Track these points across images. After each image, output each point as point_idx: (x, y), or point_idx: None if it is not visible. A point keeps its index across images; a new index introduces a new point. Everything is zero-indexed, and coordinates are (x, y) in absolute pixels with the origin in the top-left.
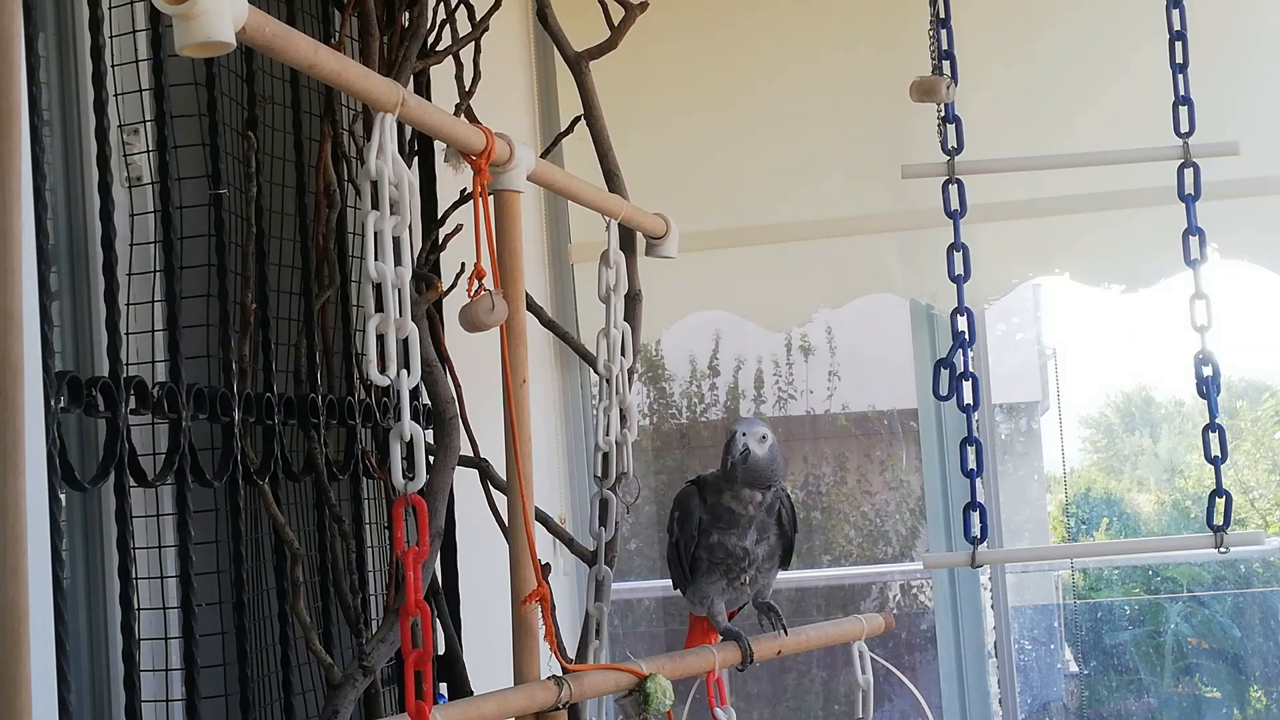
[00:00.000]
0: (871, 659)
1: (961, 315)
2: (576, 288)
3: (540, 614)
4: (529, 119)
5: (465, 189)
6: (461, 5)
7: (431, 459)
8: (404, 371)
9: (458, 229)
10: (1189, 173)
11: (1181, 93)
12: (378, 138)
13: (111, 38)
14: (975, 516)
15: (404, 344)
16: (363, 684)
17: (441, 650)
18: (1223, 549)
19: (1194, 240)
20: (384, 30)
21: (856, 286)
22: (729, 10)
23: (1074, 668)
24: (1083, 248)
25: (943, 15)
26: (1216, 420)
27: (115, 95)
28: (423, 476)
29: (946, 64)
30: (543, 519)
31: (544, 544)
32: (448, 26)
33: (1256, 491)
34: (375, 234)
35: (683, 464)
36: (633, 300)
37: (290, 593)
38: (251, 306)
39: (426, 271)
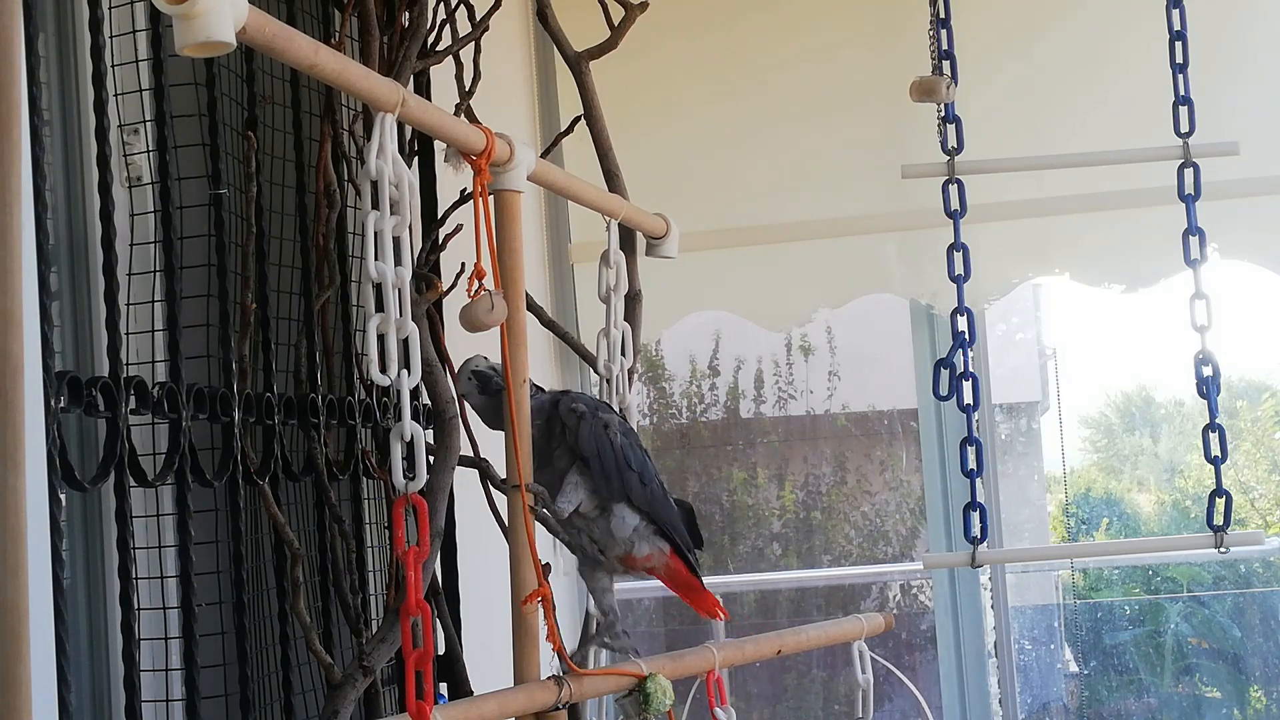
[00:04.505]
0: (871, 659)
1: (961, 315)
2: (576, 288)
3: (542, 613)
4: (529, 119)
5: (465, 189)
6: (461, 5)
7: (431, 459)
8: (404, 371)
9: (458, 229)
10: (1189, 173)
11: (1181, 93)
12: (378, 138)
13: (111, 38)
14: (975, 516)
15: (404, 344)
16: (363, 684)
17: (441, 650)
18: (1223, 549)
19: (1194, 240)
20: (384, 30)
21: (856, 286)
22: (729, 10)
23: (1074, 668)
24: (1083, 248)
25: (943, 15)
26: (1216, 420)
27: (115, 95)
28: (423, 476)
29: (946, 64)
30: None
31: (544, 544)
32: (448, 26)
33: (1256, 491)
34: (375, 234)
35: (683, 464)
36: (633, 300)
37: (290, 593)
38: (251, 306)
39: (426, 271)
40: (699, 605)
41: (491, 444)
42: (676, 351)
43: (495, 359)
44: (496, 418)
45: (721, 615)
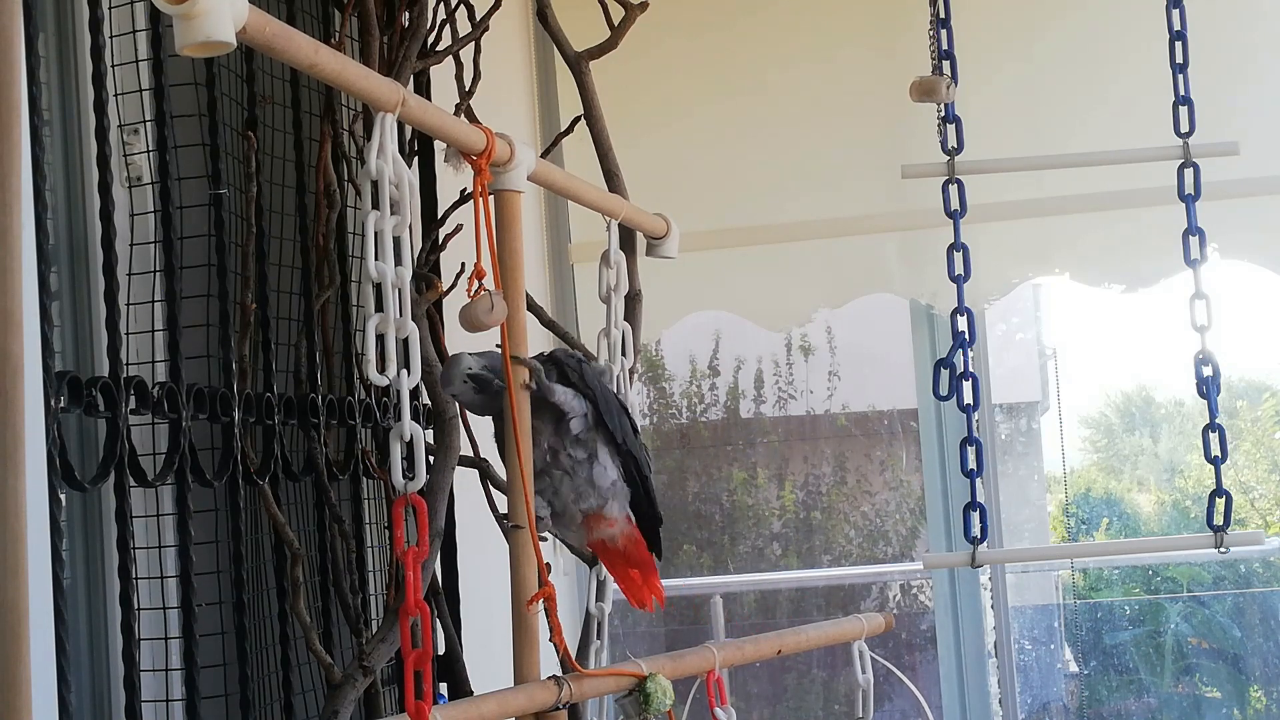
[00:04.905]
0: (871, 659)
1: (961, 315)
2: (576, 288)
3: (546, 613)
4: (529, 119)
5: (465, 189)
6: (461, 5)
7: (431, 459)
8: (404, 371)
9: (458, 229)
10: (1189, 173)
11: (1181, 93)
12: (378, 138)
13: (111, 38)
14: (975, 516)
15: (404, 344)
16: (363, 684)
17: (441, 650)
18: (1223, 549)
19: (1194, 240)
20: (384, 30)
21: (856, 286)
22: (729, 10)
23: (1074, 668)
24: (1083, 248)
25: (943, 15)
26: (1216, 420)
27: (115, 95)
28: (423, 476)
29: (946, 64)
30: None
31: (544, 544)
32: (448, 26)
33: (1256, 491)
34: (375, 234)
35: (682, 464)
36: (633, 300)
37: (290, 593)
38: (251, 306)
39: (426, 271)
40: (636, 589)
41: (492, 444)
42: (676, 351)
43: (482, 354)
44: (485, 408)
45: (654, 607)
